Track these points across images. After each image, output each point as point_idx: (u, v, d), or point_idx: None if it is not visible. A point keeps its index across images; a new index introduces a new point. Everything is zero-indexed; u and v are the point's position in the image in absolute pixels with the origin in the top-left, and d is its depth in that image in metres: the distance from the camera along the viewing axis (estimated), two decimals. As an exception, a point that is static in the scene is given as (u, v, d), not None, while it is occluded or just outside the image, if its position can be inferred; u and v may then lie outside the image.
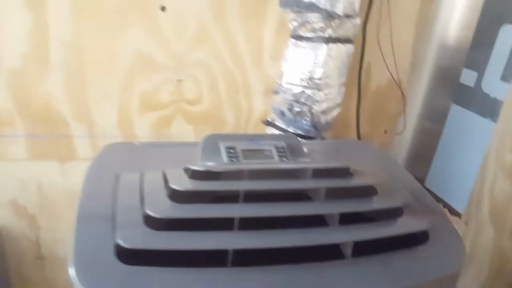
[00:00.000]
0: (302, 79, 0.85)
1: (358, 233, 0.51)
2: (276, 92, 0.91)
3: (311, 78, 0.85)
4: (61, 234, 1.05)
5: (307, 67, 0.84)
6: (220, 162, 0.61)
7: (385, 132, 1.12)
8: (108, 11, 0.87)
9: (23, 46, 0.88)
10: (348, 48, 0.86)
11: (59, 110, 0.93)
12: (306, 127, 0.88)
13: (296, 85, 0.86)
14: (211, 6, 0.90)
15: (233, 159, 0.62)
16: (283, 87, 0.88)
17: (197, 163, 0.60)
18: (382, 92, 1.06)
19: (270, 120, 0.95)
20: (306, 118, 0.88)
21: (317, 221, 0.52)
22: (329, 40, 0.82)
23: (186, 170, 0.55)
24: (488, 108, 1.00)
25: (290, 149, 0.65)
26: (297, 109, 0.88)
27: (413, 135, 1.15)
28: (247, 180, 0.53)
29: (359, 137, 1.02)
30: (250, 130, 1.03)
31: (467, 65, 1.05)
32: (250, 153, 0.64)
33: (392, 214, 0.55)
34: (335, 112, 0.90)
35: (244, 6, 0.90)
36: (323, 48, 0.83)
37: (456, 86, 1.08)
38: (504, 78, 0.96)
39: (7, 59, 0.88)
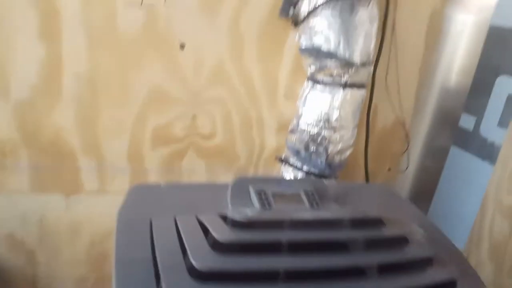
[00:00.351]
0: (319, 121, 0.87)
1: (395, 283, 0.52)
2: (292, 131, 0.92)
3: (328, 120, 0.87)
4: (59, 270, 1.01)
5: (324, 110, 0.86)
6: (253, 208, 0.61)
7: (389, 170, 1.15)
8: (125, 46, 0.87)
9: (34, 77, 0.86)
10: (362, 92, 0.89)
11: (67, 142, 0.91)
12: (321, 166, 0.90)
13: (313, 126, 0.88)
14: (230, 46, 0.91)
15: (265, 204, 0.62)
16: (300, 127, 0.90)
17: (233, 209, 0.61)
18: (387, 132, 1.09)
19: (283, 157, 0.96)
20: (322, 157, 0.89)
21: (355, 268, 0.52)
22: (346, 85, 0.85)
23: (224, 218, 0.55)
24: (486, 151, 1.04)
25: (318, 194, 0.66)
26: (313, 148, 0.89)
27: (414, 174, 1.18)
28: (288, 230, 0.53)
29: (367, 176, 1.05)
30: (262, 166, 1.03)
31: (466, 110, 1.10)
32: (281, 198, 0.64)
33: (423, 263, 0.56)
34: (348, 152, 0.93)
35: (261, 47, 0.92)
36: (340, 92, 0.85)
37: (455, 129, 1.12)
38: (501, 124, 1.00)
39: (16, 90, 0.86)
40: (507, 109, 0.98)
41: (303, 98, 0.90)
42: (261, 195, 0.64)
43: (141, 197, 0.64)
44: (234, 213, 0.53)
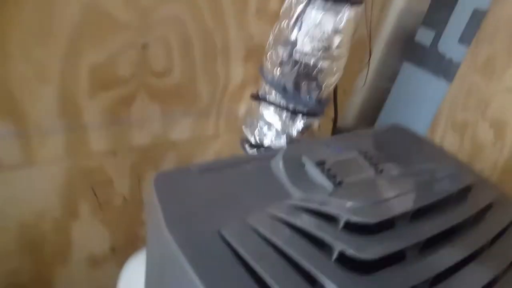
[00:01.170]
0: (318, 49, 0.71)
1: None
2: (280, 64, 0.74)
3: (328, 48, 0.71)
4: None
5: (325, 34, 0.70)
6: (323, 189, 0.47)
7: (344, 91, 1.07)
8: None
9: None
10: (361, 9, 0.74)
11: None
12: (310, 103, 0.76)
13: (310, 55, 0.71)
14: None
15: (335, 181, 0.48)
16: (293, 58, 0.72)
17: (303, 197, 0.45)
18: (351, 51, 0.98)
19: (260, 95, 0.79)
20: (313, 93, 0.75)
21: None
22: (351, 1, 0.69)
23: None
24: (443, 68, 1.03)
25: (373, 152, 0.54)
26: (304, 83, 0.74)
27: (364, 95, 1.13)
28: (407, 225, 0.41)
29: (336, 103, 0.94)
30: (226, 103, 0.84)
31: (425, 24, 1.04)
32: (343, 167, 0.51)
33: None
34: (335, 84, 0.80)
35: None
36: (346, 10, 0.69)
37: (411, 45, 1.07)
38: (462, 40, 0.98)
39: None
40: (471, 24, 0.95)
41: (293, 20, 0.71)
42: (324, 168, 0.49)
43: (173, 194, 0.43)
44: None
